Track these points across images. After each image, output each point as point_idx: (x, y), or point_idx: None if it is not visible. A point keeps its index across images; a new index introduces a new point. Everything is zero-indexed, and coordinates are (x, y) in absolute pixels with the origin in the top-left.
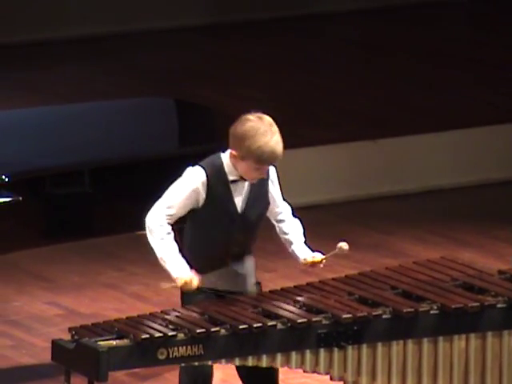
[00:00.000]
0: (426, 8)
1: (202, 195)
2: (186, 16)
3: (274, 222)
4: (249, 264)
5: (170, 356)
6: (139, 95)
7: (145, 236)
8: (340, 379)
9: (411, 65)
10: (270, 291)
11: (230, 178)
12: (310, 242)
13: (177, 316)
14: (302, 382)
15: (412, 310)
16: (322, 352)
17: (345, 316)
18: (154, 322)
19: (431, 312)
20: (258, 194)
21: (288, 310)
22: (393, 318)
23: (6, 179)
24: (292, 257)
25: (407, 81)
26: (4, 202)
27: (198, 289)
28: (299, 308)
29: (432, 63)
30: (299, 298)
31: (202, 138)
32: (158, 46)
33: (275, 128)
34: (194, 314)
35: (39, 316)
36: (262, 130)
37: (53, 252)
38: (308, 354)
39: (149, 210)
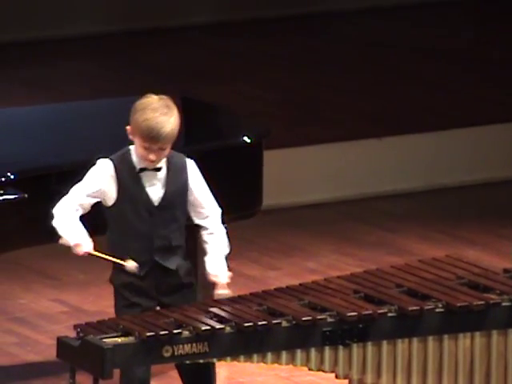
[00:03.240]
0: (432, 7)
1: (113, 187)
2: (191, 14)
3: (199, 226)
4: (179, 263)
5: (175, 353)
6: (145, 93)
7: None
8: (345, 377)
9: (417, 63)
10: (274, 289)
11: (138, 166)
12: (315, 240)
13: (182, 313)
14: (307, 380)
15: (417, 308)
16: (327, 350)
17: (350, 314)
18: (159, 319)
19: (436, 310)
20: (175, 187)
21: (293, 307)
22: (398, 316)
23: (12, 177)
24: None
25: (413, 79)
26: (9, 200)
27: (88, 254)
28: (304, 306)
29: (438, 62)
30: (304, 296)
31: (207, 135)
32: (163, 44)
33: (172, 111)
34: (199, 312)
35: (44, 313)
36: (154, 105)
37: (58, 249)
38: (313, 351)
39: None
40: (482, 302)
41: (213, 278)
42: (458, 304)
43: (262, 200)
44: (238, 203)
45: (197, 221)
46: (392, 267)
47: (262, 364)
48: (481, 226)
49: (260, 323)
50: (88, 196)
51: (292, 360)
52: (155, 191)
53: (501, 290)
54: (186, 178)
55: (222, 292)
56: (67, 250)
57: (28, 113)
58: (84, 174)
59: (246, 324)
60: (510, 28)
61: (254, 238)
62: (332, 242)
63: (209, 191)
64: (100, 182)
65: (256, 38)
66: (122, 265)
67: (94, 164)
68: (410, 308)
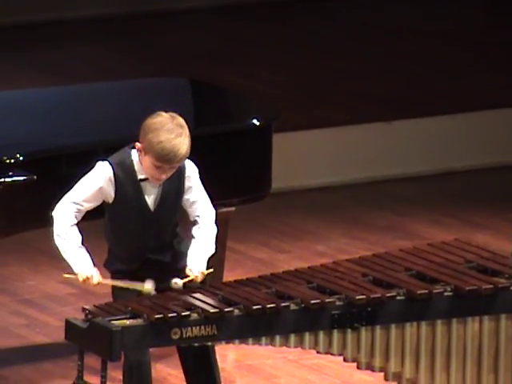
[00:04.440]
0: None
1: (110, 192)
2: None
3: (192, 222)
4: (173, 253)
5: (184, 336)
6: (154, 75)
7: None
8: (353, 360)
9: (425, 47)
10: (283, 272)
11: (140, 176)
12: (324, 223)
13: (190, 296)
14: (316, 363)
15: (426, 291)
16: (336, 333)
17: (358, 297)
18: (167, 301)
19: (445, 294)
20: (172, 188)
21: (301, 290)
22: (406, 299)
23: (21, 158)
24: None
25: (421, 63)
26: (19, 181)
27: (98, 283)
28: (313, 289)
29: (446, 45)
30: (313, 279)
31: (216, 118)
32: (173, 27)
33: (185, 130)
34: (208, 294)
35: (53, 295)
36: (168, 126)
37: None
38: (321, 334)
39: None
40: (491, 286)
41: (187, 271)
42: (467, 288)
43: (271, 183)
44: (248, 186)
45: (190, 218)
46: (401, 251)
47: (270, 347)
48: (490, 210)
49: (269, 306)
50: (87, 202)
51: (300, 343)
52: (153, 197)
53: (509, 273)
54: (183, 179)
55: (177, 281)
56: None
57: (37, 95)
58: (93, 156)
59: (255, 307)
60: None
61: (264, 220)
62: (341, 225)
63: (204, 192)
64: (98, 186)
65: (266, 21)
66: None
67: (97, 160)
68: (419, 292)
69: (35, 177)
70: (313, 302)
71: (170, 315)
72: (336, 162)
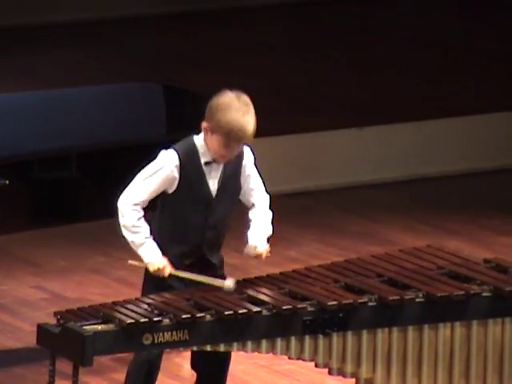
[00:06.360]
0: None
1: (175, 180)
2: (175, 2)
3: (248, 208)
4: (219, 256)
5: (155, 341)
6: (128, 80)
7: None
8: (325, 366)
9: (399, 53)
10: (255, 277)
11: (203, 159)
12: (297, 229)
13: (162, 301)
14: (287, 369)
15: (397, 297)
16: (307, 339)
17: (330, 303)
18: (139, 307)
19: (417, 300)
20: (232, 176)
21: (273, 296)
22: (378, 305)
23: None
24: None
25: (394, 69)
26: None
27: (170, 276)
28: (284, 294)
29: (419, 51)
30: (285, 285)
31: (189, 123)
32: (147, 32)
33: (251, 108)
34: (180, 300)
35: (25, 300)
36: (235, 105)
37: (39, 236)
38: (293, 340)
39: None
40: (463, 292)
41: (253, 249)
42: (439, 294)
43: None
44: None
45: (247, 204)
46: (373, 257)
47: (242, 352)
48: (462, 216)
49: (240, 311)
50: (152, 192)
51: (272, 348)
52: (215, 182)
53: (481, 280)
54: (241, 164)
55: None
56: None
57: (11, 99)
58: (65, 161)
59: (227, 312)
60: (494, 18)
61: (236, 226)
62: (314, 231)
63: (260, 179)
64: (165, 174)
65: (240, 27)
66: (217, 286)
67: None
68: (391, 297)
69: (7, 182)
70: (284, 307)
71: (142, 320)
72: (308, 167)
